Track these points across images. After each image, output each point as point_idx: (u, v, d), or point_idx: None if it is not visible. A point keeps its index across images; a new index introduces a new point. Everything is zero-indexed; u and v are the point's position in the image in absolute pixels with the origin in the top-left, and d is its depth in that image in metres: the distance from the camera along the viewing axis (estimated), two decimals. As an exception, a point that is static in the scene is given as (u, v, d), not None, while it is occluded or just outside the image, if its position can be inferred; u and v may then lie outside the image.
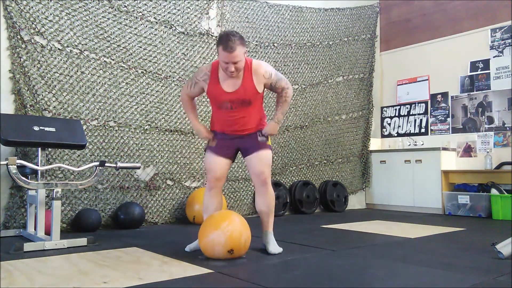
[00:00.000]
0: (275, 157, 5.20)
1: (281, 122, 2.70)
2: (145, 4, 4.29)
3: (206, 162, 2.73)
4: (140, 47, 4.22)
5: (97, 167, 3.14)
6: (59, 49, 3.74)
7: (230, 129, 2.64)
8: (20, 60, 3.55)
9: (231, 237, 2.39)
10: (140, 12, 4.25)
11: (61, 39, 3.76)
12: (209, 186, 2.72)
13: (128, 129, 4.10)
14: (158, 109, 4.30)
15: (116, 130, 4.03)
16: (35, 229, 3.14)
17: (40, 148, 3.20)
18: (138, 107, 4.17)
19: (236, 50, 2.38)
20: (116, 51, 4.07)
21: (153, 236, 3.40)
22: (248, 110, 2.60)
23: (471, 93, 5.48)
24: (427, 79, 5.95)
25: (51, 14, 3.71)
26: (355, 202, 5.97)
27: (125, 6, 4.16)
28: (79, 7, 3.87)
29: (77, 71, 3.84)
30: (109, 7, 4.06)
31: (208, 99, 4.66)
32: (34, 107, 3.59)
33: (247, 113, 2.60)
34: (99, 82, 3.95)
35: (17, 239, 3.19)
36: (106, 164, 3.17)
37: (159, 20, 4.37)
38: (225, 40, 2.38)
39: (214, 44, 4.75)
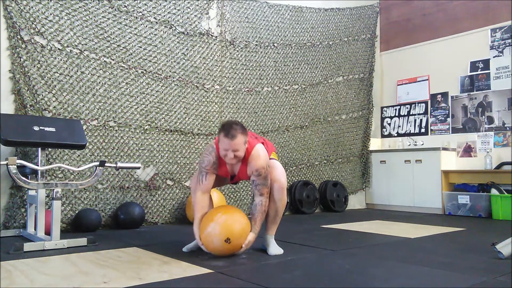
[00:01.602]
0: (275, 157, 5.20)
1: (257, 233, 2.60)
2: (145, 4, 4.29)
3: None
4: (140, 47, 4.22)
5: (97, 167, 3.13)
6: (59, 49, 3.74)
7: None
8: (20, 60, 3.55)
9: (225, 226, 2.41)
10: (140, 12, 4.25)
11: (61, 39, 3.76)
12: (193, 187, 2.70)
13: (128, 129, 4.10)
14: (158, 109, 4.30)
15: (116, 130, 4.03)
16: (35, 229, 3.14)
17: (40, 148, 3.20)
18: (138, 107, 4.17)
19: (237, 138, 2.41)
20: (116, 51, 4.07)
21: (153, 236, 3.40)
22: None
23: (471, 93, 5.48)
24: (427, 79, 5.95)
25: (51, 14, 3.71)
26: (355, 202, 5.97)
27: (125, 6, 4.16)
28: (79, 7, 3.87)
29: (77, 71, 3.84)
30: (109, 7, 4.06)
31: (208, 99, 4.66)
32: (34, 107, 3.59)
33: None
34: (99, 82, 3.95)
35: (17, 239, 3.19)
36: (106, 164, 3.17)
37: (159, 20, 4.37)
38: (228, 127, 2.43)
39: (214, 44, 4.75)
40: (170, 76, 4.40)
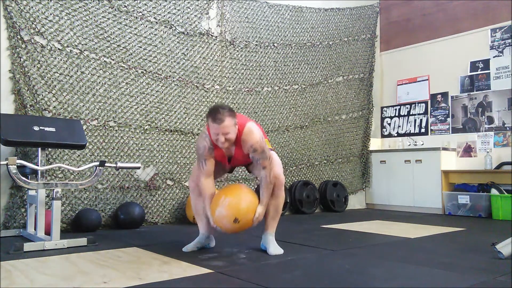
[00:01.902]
0: (275, 157, 5.20)
1: (267, 204, 2.61)
2: (145, 4, 4.29)
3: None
4: (140, 47, 4.22)
5: (97, 167, 3.13)
6: (59, 49, 3.74)
7: None
8: (20, 60, 3.55)
9: (230, 207, 2.46)
10: (140, 12, 4.25)
11: (61, 39, 3.76)
12: (192, 185, 2.74)
13: (128, 129, 4.10)
14: (158, 109, 4.30)
15: (116, 130, 4.03)
16: (35, 229, 3.14)
17: (40, 148, 3.20)
18: (138, 107, 4.17)
19: (225, 121, 2.41)
20: (116, 51, 4.07)
21: (153, 236, 3.40)
22: (248, 162, 2.74)
23: (471, 93, 5.48)
24: (427, 79, 5.95)
25: (51, 14, 3.71)
26: (355, 202, 5.97)
27: (125, 6, 4.16)
28: (79, 7, 3.87)
29: (77, 71, 3.84)
30: (109, 7, 4.06)
31: (208, 99, 4.66)
32: (34, 107, 3.59)
33: (247, 163, 2.75)
34: (99, 82, 3.95)
35: (17, 239, 3.19)
36: (106, 164, 3.17)
37: (159, 20, 4.37)
38: (214, 112, 2.43)
39: (214, 44, 4.75)
40: (170, 76, 4.40)
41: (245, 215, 2.48)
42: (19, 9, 3.55)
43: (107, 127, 3.98)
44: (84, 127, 3.82)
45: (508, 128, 5.14)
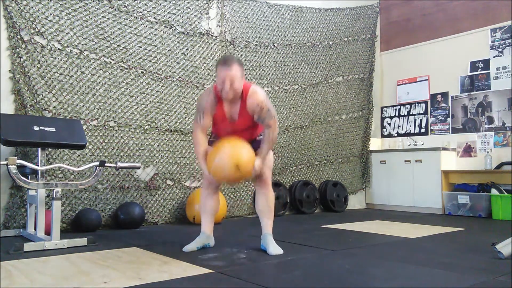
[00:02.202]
0: (275, 157, 5.20)
1: (266, 157, 2.65)
2: (145, 4, 4.29)
3: None
4: (140, 47, 4.22)
5: (97, 167, 3.14)
6: (59, 49, 3.74)
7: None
8: (20, 60, 3.55)
9: (232, 154, 2.43)
10: (140, 12, 4.25)
11: (61, 39, 3.76)
12: (205, 183, 2.79)
13: (128, 129, 4.10)
14: (158, 109, 4.30)
15: (116, 130, 4.03)
16: (35, 229, 3.14)
17: (40, 148, 3.20)
18: (138, 107, 4.17)
19: (234, 67, 2.45)
20: (116, 51, 4.07)
21: (153, 236, 3.40)
22: (248, 131, 2.70)
23: (471, 93, 5.48)
24: (427, 79, 5.95)
25: (51, 14, 3.71)
26: (355, 202, 5.97)
27: (125, 6, 4.16)
28: (79, 7, 3.87)
29: (77, 71, 3.84)
30: (109, 7, 4.06)
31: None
32: (34, 107, 3.59)
33: (246, 133, 2.70)
34: (99, 82, 3.95)
35: (17, 239, 3.19)
36: (106, 164, 3.17)
37: (159, 20, 4.37)
38: (225, 58, 2.50)
39: (214, 44, 4.75)
40: (170, 76, 4.40)
41: (246, 165, 2.45)
42: (19, 9, 3.55)
43: (107, 127, 3.98)
44: (84, 127, 3.82)
45: (508, 128, 5.14)
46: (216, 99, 2.60)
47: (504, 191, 4.81)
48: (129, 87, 4.13)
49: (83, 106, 3.85)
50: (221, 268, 2.24)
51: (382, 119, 6.45)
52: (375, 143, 6.29)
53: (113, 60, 4.05)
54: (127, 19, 4.16)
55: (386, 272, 2.21)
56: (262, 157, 2.60)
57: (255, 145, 2.68)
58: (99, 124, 3.93)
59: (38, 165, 3.14)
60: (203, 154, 2.61)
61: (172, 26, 4.45)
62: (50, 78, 3.68)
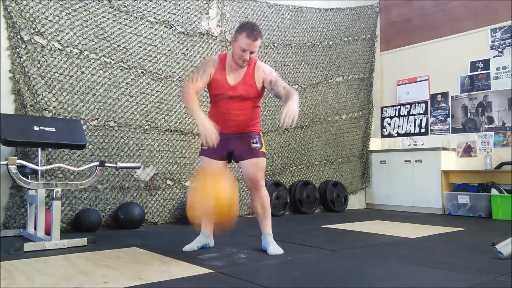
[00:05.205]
0: (275, 157, 5.20)
1: (297, 101, 2.44)
2: (145, 4, 4.29)
3: (202, 168, 2.73)
4: (140, 47, 4.22)
5: (97, 167, 3.14)
6: (59, 49, 3.74)
7: (224, 125, 2.61)
8: (20, 60, 3.55)
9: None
10: (140, 12, 4.25)
11: (61, 39, 3.76)
12: None
13: (128, 129, 4.10)
14: (158, 109, 4.30)
15: (116, 130, 4.03)
16: (35, 229, 3.14)
17: (40, 148, 3.20)
18: (138, 107, 4.17)
19: (258, 40, 2.49)
20: (116, 51, 4.07)
21: (153, 236, 3.40)
22: (245, 106, 2.64)
23: (471, 93, 5.48)
24: (427, 79, 5.95)
25: (51, 14, 3.71)
26: (355, 202, 5.97)
27: (125, 6, 4.16)
28: (79, 7, 3.87)
29: (77, 71, 3.83)
30: (109, 7, 4.06)
31: (208, 99, 4.66)
32: (34, 107, 3.59)
33: (243, 110, 2.64)
34: (99, 82, 3.95)
35: (17, 239, 3.19)
36: (106, 164, 3.17)
37: (159, 20, 4.37)
38: (251, 28, 2.47)
39: (214, 44, 4.75)
40: (170, 76, 4.40)
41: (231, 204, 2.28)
42: (19, 9, 3.55)
43: (107, 127, 3.98)
44: (84, 127, 3.82)
45: (508, 128, 5.14)
46: (221, 65, 2.62)
47: (504, 191, 4.81)
48: (129, 87, 4.13)
49: (83, 106, 3.85)
50: (221, 268, 2.24)
51: (382, 119, 6.45)
52: (375, 143, 6.29)
53: (113, 60, 4.05)
54: (127, 19, 4.16)
55: (386, 272, 2.21)
56: (295, 101, 2.41)
57: (252, 151, 2.66)
58: (99, 124, 3.93)
59: (38, 165, 3.14)
60: (197, 107, 2.48)
61: (172, 26, 4.45)
62: (50, 78, 3.68)
